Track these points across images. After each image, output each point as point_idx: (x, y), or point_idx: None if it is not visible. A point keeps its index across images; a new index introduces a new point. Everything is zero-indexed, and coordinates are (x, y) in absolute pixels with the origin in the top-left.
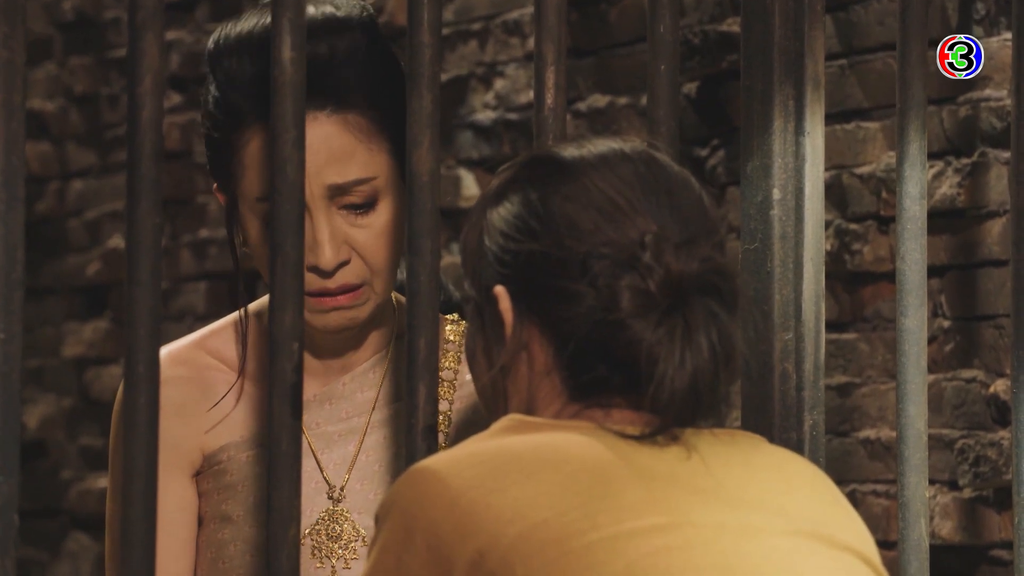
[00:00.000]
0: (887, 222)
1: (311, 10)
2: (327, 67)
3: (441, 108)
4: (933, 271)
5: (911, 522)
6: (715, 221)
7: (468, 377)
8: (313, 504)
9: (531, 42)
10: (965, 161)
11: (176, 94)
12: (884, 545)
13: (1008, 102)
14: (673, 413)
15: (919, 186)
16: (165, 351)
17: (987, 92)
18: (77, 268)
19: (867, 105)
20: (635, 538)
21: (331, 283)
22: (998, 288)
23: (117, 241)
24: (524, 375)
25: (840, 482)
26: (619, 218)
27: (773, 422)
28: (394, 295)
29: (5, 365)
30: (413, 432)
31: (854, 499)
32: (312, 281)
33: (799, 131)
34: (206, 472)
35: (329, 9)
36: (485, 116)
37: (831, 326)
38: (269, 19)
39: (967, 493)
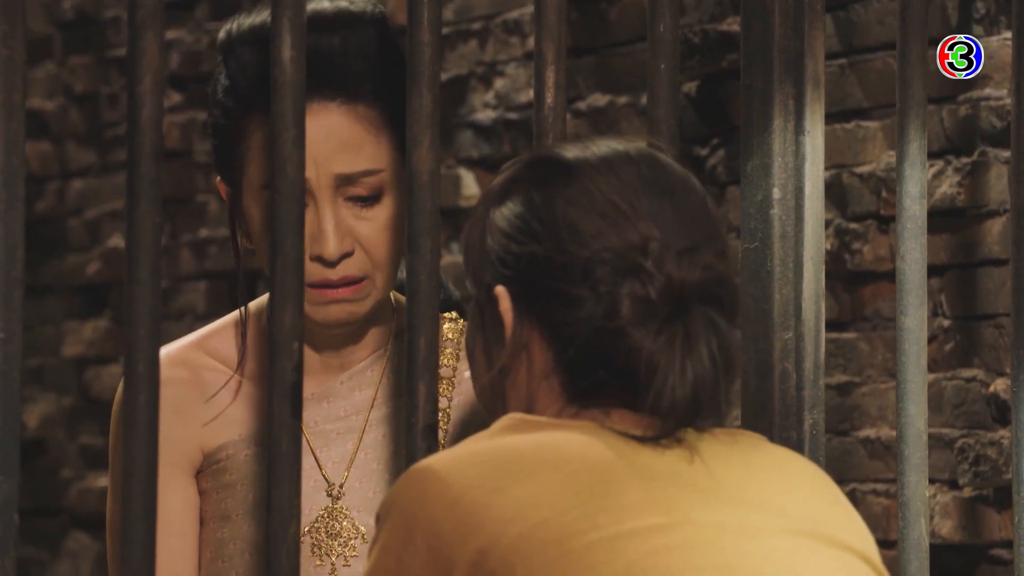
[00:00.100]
0: (887, 221)
1: (325, 3)
2: (339, 59)
3: (441, 107)
4: (933, 270)
5: (911, 521)
6: (718, 226)
7: (467, 374)
8: (312, 502)
9: (531, 41)
10: (965, 160)
11: (176, 93)
12: (884, 544)
13: (1008, 101)
14: (674, 419)
15: (919, 185)
16: (164, 352)
17: (987, 91)
18: (77, 267)
19: (867, 104)
20: (635, 538)
21: (333, 274)
22: (998, 287)
23: (117, 240)
24: (523, 377)
25: (840, 481)
26: (622, 223)
27: (773, 421)
28: (393, 294)
29: (5, 364)
30: (413, 431)
31: (854, 498)
32: (314, 272)
33: (799, 130)
34: (206, 471)
35: (343, 3)
36: (485, 115)
37: (831, 325)
38: None
39: (967, 492)
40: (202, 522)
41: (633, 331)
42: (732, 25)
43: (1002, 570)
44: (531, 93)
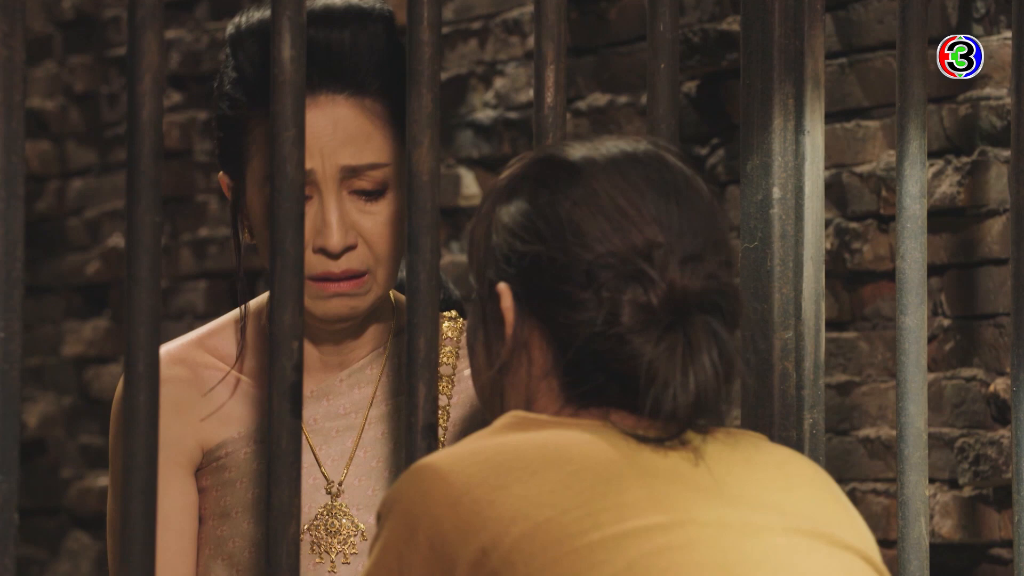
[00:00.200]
0: (887, 221)
1: None
2: (349, 53)
3: (441, 107)
4: (933, 270)
5: (911, 521)
6: (724, 232)
7: (466, 372)
8: (311, 500)
9: (531, 41)
10: (965, 160)
11: (176, 93)
12: (884, 544)
13: (1008, 100)
14: (677, 425)
15: (919, 185)
16: (164, 350)
17: (987, 91)
18: (77, 267)
19: (867, 104)
20: (637, 537)
21: (336, 267)
22: (998, 287)
23: (117, 240)
24: (523, 375)
25: (840, 481)
26: (627, 227)
27: (773, 420)
28: (392, 293)
29: (5, 363)
30: (413, 430)
31: (854, 498)
32: (316, 264)
33: (799, 130)
34: (205, 468)
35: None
36: (485, 115)
37: (831, 325)
38: None
39: (967, 492)
40: (201, 520)
41: (633, 337)
42: (732, 25)
43: (1002, 569)
44: (531, 93)
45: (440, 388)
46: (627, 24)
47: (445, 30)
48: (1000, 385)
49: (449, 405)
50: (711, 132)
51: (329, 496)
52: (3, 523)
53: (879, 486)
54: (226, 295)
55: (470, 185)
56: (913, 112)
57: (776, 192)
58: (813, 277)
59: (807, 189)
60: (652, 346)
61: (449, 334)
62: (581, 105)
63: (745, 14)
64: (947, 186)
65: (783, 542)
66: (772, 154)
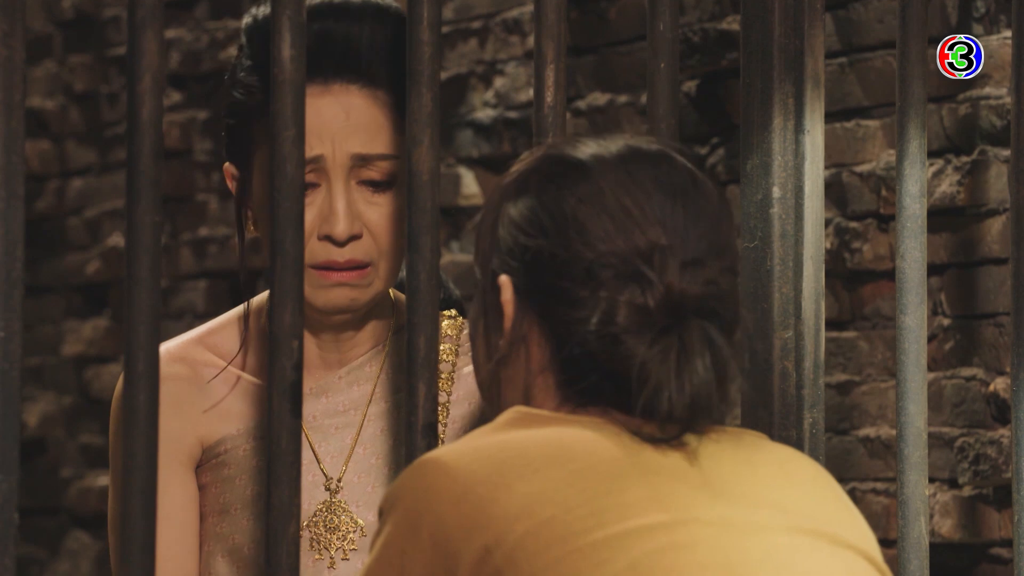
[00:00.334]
0: (887, 220)
1: None
2: (365, 46)
3: (441, 106)
4: (933, 269)
5: (911, 520)
6: (729, 236)
7: (466, 370)
8: (311, 496)
9: (531, 40)
10: (965, 159)
11: (176, 92)
12: (884, 543)
13: (1008, 100)
14: (677, 426)
15: (919, 184)
16: (164, 348)
17: (987, 90)
18: (77, 266)
19: (867, 103)
20: (640, 535)
21: (340, 256)
22: (998, 286)
23: (117, 239)
24: (520, 369)
25: (840, 480)
26: (630, 227)
27: (773, 420)
28: (392, 291)
29: (5, 363)
30: (413, 429)
31: (854, 497)
32: (320, 252)
33: (799, 129)
34: (205, 465)
35: None
36: (485, 114)
37: (831, 324)
38: None
39: (967, 491)
40: (202, 516)
41: (627, 338)
42: (732, 24)
43: (1002, 569)
44: (531, 92)
45: (439, 385)
46: (627, 23)
47: (445, 30)
48: (1000, 385)
49: (448, 402)
50: (711, 132)
51: (328, 492)
52: (3, 523)
53: (879, 485)
54: (226, 295)
55: (470, 185)
56: (913, 112)
57: (776, 191)
58: (813, 277)
59: (807, 188)
60: (645, 348)
61: (449, 332)
62: (581, 104)
63: (745, 14)
64: (947, 186)
65: (785, 541)
66: (772, 153)
